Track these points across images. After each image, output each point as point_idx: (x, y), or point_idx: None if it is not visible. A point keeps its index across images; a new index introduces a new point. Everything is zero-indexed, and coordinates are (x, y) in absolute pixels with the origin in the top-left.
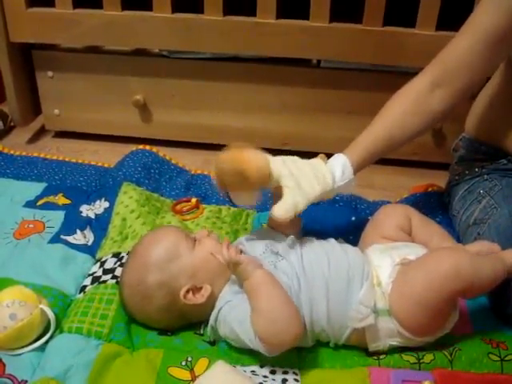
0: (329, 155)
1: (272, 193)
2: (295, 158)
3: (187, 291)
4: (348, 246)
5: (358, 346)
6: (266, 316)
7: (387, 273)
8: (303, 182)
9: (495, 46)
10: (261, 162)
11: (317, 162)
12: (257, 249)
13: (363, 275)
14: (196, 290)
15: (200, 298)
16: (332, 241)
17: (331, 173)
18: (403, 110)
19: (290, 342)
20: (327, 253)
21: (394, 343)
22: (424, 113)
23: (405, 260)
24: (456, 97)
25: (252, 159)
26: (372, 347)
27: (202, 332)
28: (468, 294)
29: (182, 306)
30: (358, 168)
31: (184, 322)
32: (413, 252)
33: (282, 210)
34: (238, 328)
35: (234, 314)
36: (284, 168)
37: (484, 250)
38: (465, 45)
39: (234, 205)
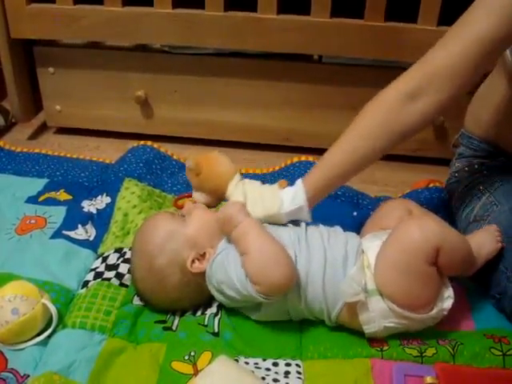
0: None
1: None
2: (256, 183)
3: (193, 261)
4: (348, 232)
5: (354, 329)
6: (254, 255)
7: (375, 253)
8: (248, 204)
9: (487, 54)
10: (223, 179)
11: (271, 187)
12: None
13: (357, 254)
14: (200, 257)
15: (206, 263)
16: (337, 226)
17: (280, 199)
18: (376, 124)
19: (280, 280)
20: (327, 230)
21: (390, 325)
22: (396, 129)
23: None
24: (436, 109)
25: (221, 173)
26: (367, 329)
27: (206, 323)
28: (442, 260)
29: (195, 276)
30: (314, 195)
31: (204, 295)
32: None
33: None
34: (233, 272)
35: (229, 259)
36: (237, 189)
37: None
38: (455, 52)
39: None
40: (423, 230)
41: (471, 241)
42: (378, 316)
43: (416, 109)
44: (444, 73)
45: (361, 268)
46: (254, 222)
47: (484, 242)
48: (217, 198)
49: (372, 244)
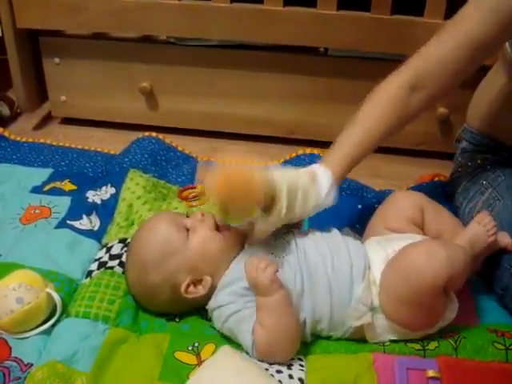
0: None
1: None
2: (286, 174)
3: (188, 285)
4: (350, 241)
5: (360, 339)
6: (270, 335)
7: (380, 270)
8: (294, 205)
9: (480, 51)
10: (263, 182)
11: (308, 182)
12: (259, 252)
13: (364, 273)
14: (196, 282)
15: (201, 290)
16: (335, 234)
17: (318, 195)
18: (380, 113)
19: (283, 359)
20: (331, 251)
21: (394, 338)
22: (402, 114)
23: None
24: (434, 99)
25: (257, 179)
26: (372, 341)
27: (209, 318)
28: (452, 285)
29: (186, 298)
30: (339, 180)
31: (192, 307)
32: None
33: (262, 234)
34: (238, 331)
35: (235, 319)
36: (281, 189)
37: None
38: (449, 47)
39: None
40: (433, 265)
41: (463, 240)
42: (383, 332)
43: (416, 98)
44: (437, 66)
45: (367, 285)
46: (283, 298)
47: (475, 239)
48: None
49: (376, 257)
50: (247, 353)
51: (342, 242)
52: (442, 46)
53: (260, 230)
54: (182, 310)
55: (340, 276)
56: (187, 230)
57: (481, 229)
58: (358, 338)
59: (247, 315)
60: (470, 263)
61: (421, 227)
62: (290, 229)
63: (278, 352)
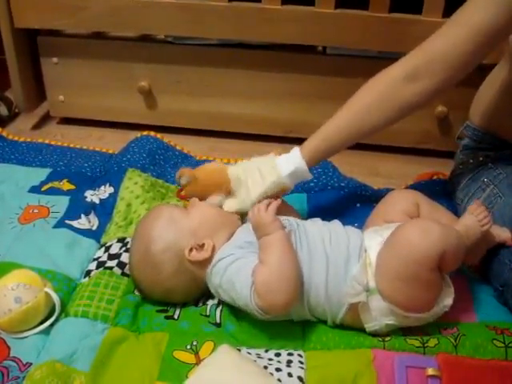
0: None
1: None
2: (251, 161)
3: (190, 249)
4: (349, 227)
5: (355, 327)
6: (272, 269)
7: (376, 252)
8: (250, 185)
9: (485, 43)
10: (221, 175)
11: (266, 158)
12: None
13: (360, 254)
14: (199, 247)
15: (204, 253)
16: (335, 221)
17: (276, 165)
18: (370, 100)
19: (281, 304)
20: (329, 229)
21: (391, 322)
22: (393, 105)
23: None
24: (432, 92)
25: (208, 168)
26: (368, 327)
27: (208, 313)
28: (446, 263)
29: (191, 267)
30: (312, 158)
31: (199, 289)
32: None
33: (228, 204)
34: (236, 278)
35: (235, 266)
36: (237, 179)
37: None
38: (453, 39)
39: None
40: (427, 238)
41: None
42: (378, 314)
43: (414, 89)
44: (439, 59)
45: (363, 266)
46: (284, 236)
47: (468, 230)
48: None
49: (373, 242)
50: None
51: (340, 225)
52: (444, 40)
53: (228, 207)
54: (187, 290)
55: (336, 251)
56: (186, 209)
57: (473, 219)
58: (353, 324)
59: (247, 261)
60: (464, 249)
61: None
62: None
63: (278, 291)
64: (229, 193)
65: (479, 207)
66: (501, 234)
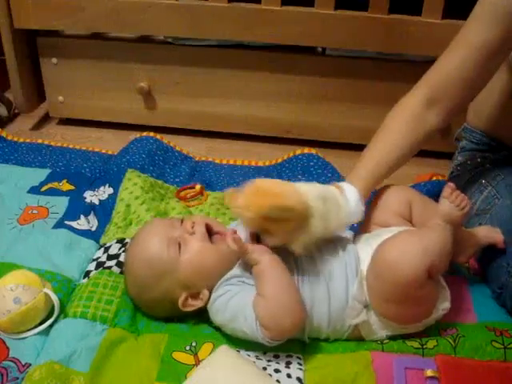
0: (333, 144)
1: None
2: (325, 191)
3: (185, 299)
4: (341, 242)
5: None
6: (270, 300)
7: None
8: (330, 223)
9: (486, 62)
10: (301, 200)
11: (341, 200)
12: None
13: (356, 271)
14: (194, 295)
15: (200, 303)
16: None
17: (348, 209)
18: (401, 130)
19: (290, 329)
20: (323, 259)
21: (390, 333)
22: (422, 131)
23: None
24: (452, 112)
25: (289, 193)
26: (371, 340)
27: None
28: (435, 272)
29: (183, 310)
30: (365, 197)
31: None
32: None
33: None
34: (238, 315)
35: (234, 302)
36: (313, 197)
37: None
38: (455, 63)
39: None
40: (409, 260)
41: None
42: (378, 328)
43: (433, 113)
44: (448, 79)
45: (360, 282)
46: (272, 261)
47: (450, 218)
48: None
49: (365, 254)
50: (245, 353)
51: (332, 244)
52: (451, 59)
53: (299, 244)
54: (182, 315)
55: (336, 278)
56: (179, 244)
57: (450, 205)
58: (356, 338)
59: (245, 295)
60: (450, 246)
61: (409, 220)
62: None
63: (283, 316)
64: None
65: (453, 191)
66: (493, 235)
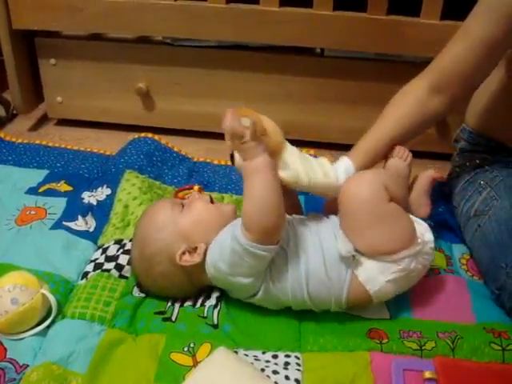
0: (331, 145)
1: None
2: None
3: (183, 253)
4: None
5: (361, 306)
6: (255, 201)
7: None
8: (308, 167)
9: (489, 54)
10: (279, 133)
11: (322, 160)
12: None
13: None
14: (192, 250)
15: (197, 258)
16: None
17: (335, 171)
18: (403, 113)
19: (272, 228)
20: (316, 220)
21: (391, 277)
22: (424, 115)
23: None
24: (455, 100)
25: (274, 128)
26: (371, 290)
27: (205, 315)
28: (393, 196)
29: (184, 268)
30: (361, 169)
31: (195, 286)
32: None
33: (283, 173)
34: (226, 240)
35: (224, 234)
36: (295, 153)
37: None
38: (459, 53)
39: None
40: (362, 182)
41: (387, 174)
42: (375, 272)
43: (438, 100)
44: (451, 73)
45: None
46: (270, 162)
47: (396, 169)
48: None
49: None
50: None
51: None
52: (456, 49)
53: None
54: (183, 290)
55: (324, 233)
56: (182, 205)
57: (395, 159)
58: (362, 304)
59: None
60: (402, 182)
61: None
62: None
63: (266, 215)
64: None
65: (399, 149)
66: (426, 173)
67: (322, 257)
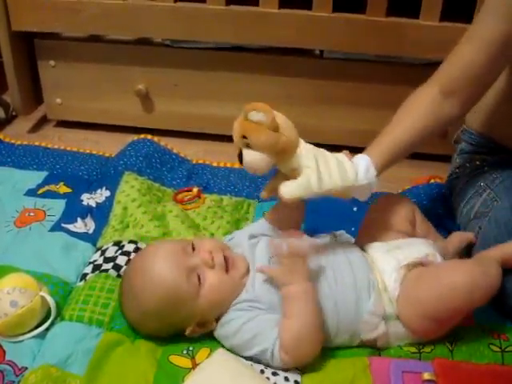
0: (331, 146)
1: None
2: (323, 149)
3: (193, 330)
4: (350, 252)
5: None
6: (301, 325)
7: (393, 277)
8: (324, 170)
9: (497, 55)
10: (293, 128)
11: (341, 157)
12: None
13: (369, 284)
14: (201, 324)
15: (204, 330)
16: (333, 245)
17: (355, 170)
18: (418, 115)
19: (309, 355)
20: (332, 267)
21: (402, 344)
22: (437, 118)
23: (412, 263)
24: (469, 102)
25: (287, 124)
26: (380, 343)
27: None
28: (479, 305)
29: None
30: (379, 170)
31: None
32: (417, 251)
33: (288, 187)
34: (253, 340)
35: (248, 327)
36: (309, 150)
37: (463, 242)
38: (467, 56)
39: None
40: (476, 292)
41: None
42: (394, 339)
43: (450, 102)
44: (462, 75)
45: (378, 295)
46: (311, 288)
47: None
48: (280, 160)
49: (387, 267)
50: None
51: (342, 255)
52: (464, 52)
53: (285, 187)
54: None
55: (344, 294)
56: (198, 276)
57: None
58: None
59: (265, 319)
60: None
61: (414, 226)
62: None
63: (306, 346)
64: (284, 161)
65: None
66: (465, 237)
67: (336, 319)
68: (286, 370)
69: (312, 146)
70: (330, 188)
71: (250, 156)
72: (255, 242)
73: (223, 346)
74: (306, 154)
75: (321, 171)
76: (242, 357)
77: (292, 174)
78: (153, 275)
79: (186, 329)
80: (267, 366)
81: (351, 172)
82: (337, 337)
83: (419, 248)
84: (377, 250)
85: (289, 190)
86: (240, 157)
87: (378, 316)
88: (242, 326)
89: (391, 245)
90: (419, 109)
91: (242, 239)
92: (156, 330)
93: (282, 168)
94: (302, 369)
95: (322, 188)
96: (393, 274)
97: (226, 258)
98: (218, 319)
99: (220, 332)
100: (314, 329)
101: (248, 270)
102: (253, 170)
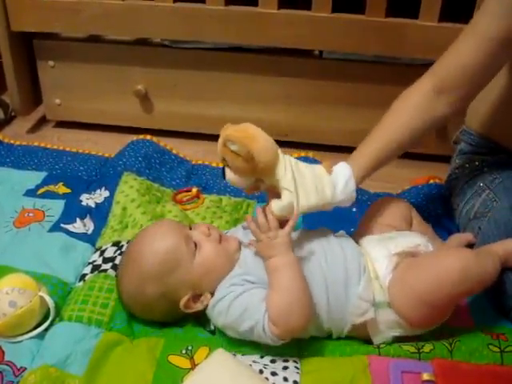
0: (330, 147)
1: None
2: (298, 162)
3: (187, 300)
4: (343, 240)
5: (360, 338)
6: (286, 296)
7: (384, 265)
8: (301, 191)
9: (495, 52)
10: (271, 154)
11: (320, 171)
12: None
13: (360, 269)
14: (196, 296)
15: (199, 305)
16: (328, 233)
17: (333, 186)
18: (407, 115)
19: (298, 326)
20: (324, 249)
21: (397, 334)
22: (428, 118)
23: (403, 251)
24: (461, 101)
25: (266, 146)
26: (376, 340)
27: (203, 321)
28: (471, 294)
29: (183, 311)
30: (361, 179)
31: (188, 316)
32: (409, 241)
33: (278, 207)
34: (243, 315)
35: (239, 302)
36: (288, 170)
37: (462, 243)
38: (464, 53)
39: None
40: (465, 272)
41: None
42: (385, 327)
43: (444, 100)
44: (458, 72)
45: (368, 282)
46: (294, 259)
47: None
48: (260, 179)
49: (379, 254)
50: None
51: (334, 239)
52: (461, 49)
53: (275, 205)
54: (175, 320)
55: (334, 274)
56: (195, 244)
57: None
58: (361, 337)
59: (251, 294)
60: (499, 269)
61: (410, 225)
62: None
63: (295, 315)
64: (262, 180)
65: None
66: (464, 239)
67: (326, 300)
68: (285, 369)
69: (289, 161)
70: (307, 210)
71: (231, 175)
72: (249, 231)
73: (220, 339)
74: (285, 174)
75: (299, 194)
76: (242, 357)
77: (277, 186)
78: (154, 239)
79: (180, 300)
80: (266, 365)
81: (329, 188)
82: (329, 319)
83: (411, 239)
84: (369, 241)
85: (277, 208)
86: (223, 172)
87: (367, 301)
88: (232, 302)
89: (384, 236)
90: (409, 107)
91: (236, 230)
92: (153, 300)
93: (265, 181)
94: (301, 369)
95: (300, 210)
96: (384, 261)
97: (220, 236)
98: (212, 294)
99: (213, 311)
100: (300, 299)
101: (240, 248)
102: (235, 185)
